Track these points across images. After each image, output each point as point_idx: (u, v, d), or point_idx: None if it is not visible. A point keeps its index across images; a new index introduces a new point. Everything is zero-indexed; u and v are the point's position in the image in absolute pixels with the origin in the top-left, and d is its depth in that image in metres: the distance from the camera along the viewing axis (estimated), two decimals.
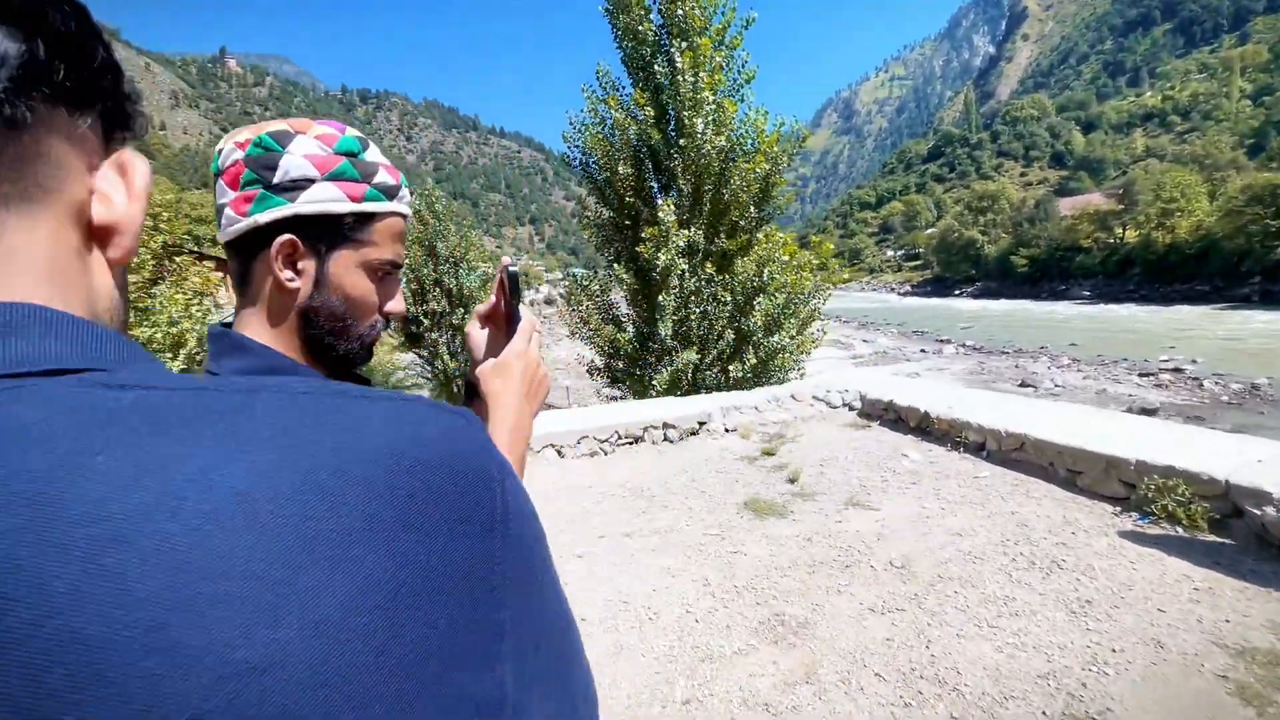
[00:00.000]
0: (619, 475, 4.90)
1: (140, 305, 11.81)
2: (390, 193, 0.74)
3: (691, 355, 9.50)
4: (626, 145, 10.69)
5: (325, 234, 0.71)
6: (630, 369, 12.18)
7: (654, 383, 10.60)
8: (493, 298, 0.85)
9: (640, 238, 10.09)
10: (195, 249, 18.62)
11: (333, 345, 0.73)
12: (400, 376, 33.96)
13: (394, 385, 35.04)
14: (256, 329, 0.71)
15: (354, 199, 0.71)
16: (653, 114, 10.10)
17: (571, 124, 11.46)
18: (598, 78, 11.16)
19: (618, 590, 3.10)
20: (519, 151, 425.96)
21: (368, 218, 0.72)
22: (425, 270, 22.91)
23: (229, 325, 0.73)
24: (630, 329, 12.71)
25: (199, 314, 13.52)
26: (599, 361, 12.96)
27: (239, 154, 0.69)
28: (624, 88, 11.18)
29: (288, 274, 0.70)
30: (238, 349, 0.69)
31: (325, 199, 0.69)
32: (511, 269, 0.82)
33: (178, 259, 13.49)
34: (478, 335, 0.86)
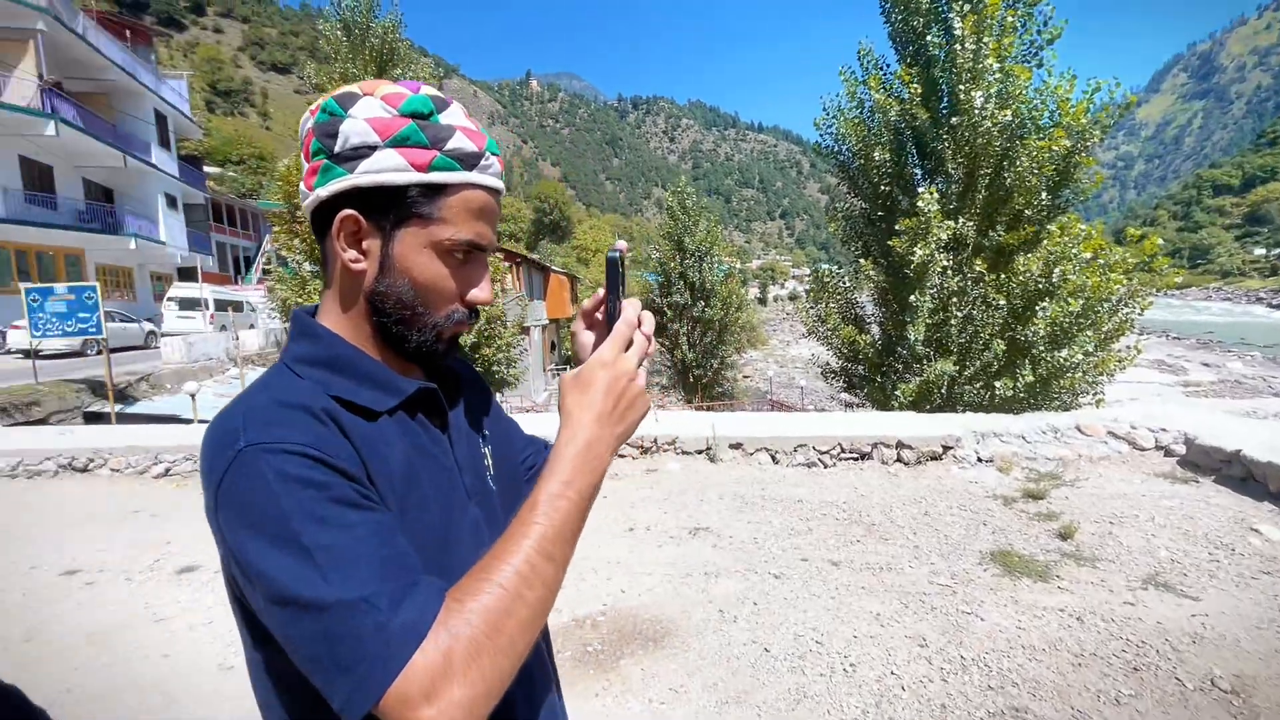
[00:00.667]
0: (836, 494, 4.43)
1: None
2: (468, 161, 0.63)
3: (947, 366, 8.28)
4: (886, 128, 9.71)
5: (388, 208, 0.62)
6: (870, 375, 11.16)
7: (896, 393, 9.53)
8: (600, 291, 0.70)
9: (894, 230, 9.08)
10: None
11: (403, 335, 0.65)
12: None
13: None
14: (330, 313, 0.67)
15: (418, 167, 0.61)
16: (920, 91, 8.98)
17: (825, 110, 10.81)
18: (859, 58, 10.33)
19: (812, 626, 2.75)
20: (775, 145, 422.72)
21: (437, 190, 0.62)
22: (672, 264, 24.07)
23: (315, 310, 0.70)
24: (874, 331, 11.64)
25: None
26: (835, 364, 12.14)
27: (310, 122, 0.64)
28: (887, 66, 10.15)
29: (351, 254, 0.63)
30: (305, 335, 0.66)
31: (385, 168, 0.60)
32: (612, 254, 0.68)
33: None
34: (583, 337, 0.71)
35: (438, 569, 0.57)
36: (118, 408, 9.93)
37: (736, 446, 5.18)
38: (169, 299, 19.53)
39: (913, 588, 3.08)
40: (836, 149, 10.98)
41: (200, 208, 26.98)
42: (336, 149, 0.61)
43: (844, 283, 11.66)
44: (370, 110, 0.61)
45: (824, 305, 11.69)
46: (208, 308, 19.39)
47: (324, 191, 0.62)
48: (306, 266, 12.24)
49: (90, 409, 9.93)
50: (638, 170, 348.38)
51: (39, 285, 11.18)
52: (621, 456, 5.29)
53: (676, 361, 25.85)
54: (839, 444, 5.08)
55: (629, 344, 0.65)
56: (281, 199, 12.59)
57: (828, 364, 12.33)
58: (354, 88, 0.63)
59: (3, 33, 16.47)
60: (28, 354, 11.59)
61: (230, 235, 31.60)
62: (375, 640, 0.47)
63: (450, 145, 0.62)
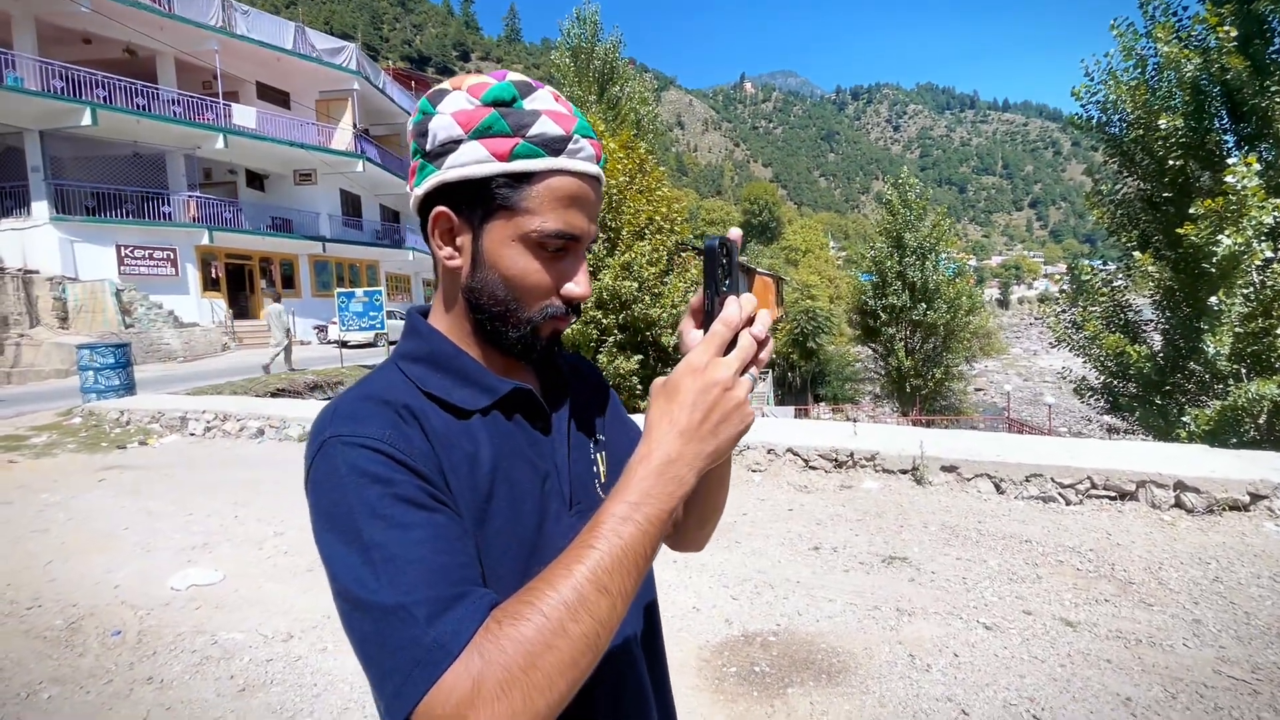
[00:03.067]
0: (1079, 539, 3.63)
1: (655, 291, 15.08)
2: (554, 146, 0.59)
3: (1268, 388, 6.38)
4: (1180, 87, 7.79)
5: (475, 202, 0.61)
6: (1145, 395, 9.08)
7: (1184, 420, 7.62)
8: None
9: (1186, 215, 7.24)
10: (698, 246, 22.83)
11: (499, 331, 0.64)
12: (856, 369, 34.23)
13: (848, 377, 35.57)
14: (437, 311, 0.68)
15: (500, 157, 0.59)
16: (1233, 34, 7.03)
17: (1089, 75, 9.05)
18: (1140, 6, 8.46)
19: (1029, 696, 2.25)
20: (1025, 124, 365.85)
21: (521, 179, 0.59)
22: (889, 262, 22.15)
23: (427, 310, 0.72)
24: (1154, 341, 9.43)
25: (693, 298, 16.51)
26: (1094, 379, 10.09)
27: (409, 123, 0.65)
28: (1184, 9, 8.13)
29: (446, 251, 0.63)
30: (412, 332, 0.67)
31: (468, 161, 0.59)
32: (710, 242, 0.58)
33: (684, 254, 16.71)
34: (688, 337, 0.62)
35: (522, 578, 0.54)
36: None
37: (950, 469, 4.54)
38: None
39: (1186, 675, 2.37)
40: (1104, 120, 9.13)
41: None
42: (428, 147, 0.61)
43: (1112, 281, 9.63)
44: (456, 104, 0.60)
45: (1081, 308, 9.77)
46: None
47: (419, 190, 0.62)
48: None
49: None
50: (855, 164, 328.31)
51: (345, 290, 14.16)
52: (813, 468, 4.98)
53: (891, 369, 23.74)
54: (1089, 478, 4.16)
55: (729, 347, 0.55)
56: None
57: (1083, 379, 10.27)
58: (445, 84, 0.63)
59: (332, 94, 21.24)
60: (342, 344, 14.77)
61: None
62: (408, 653, 0.45)
63: (534, 131, 0.59)
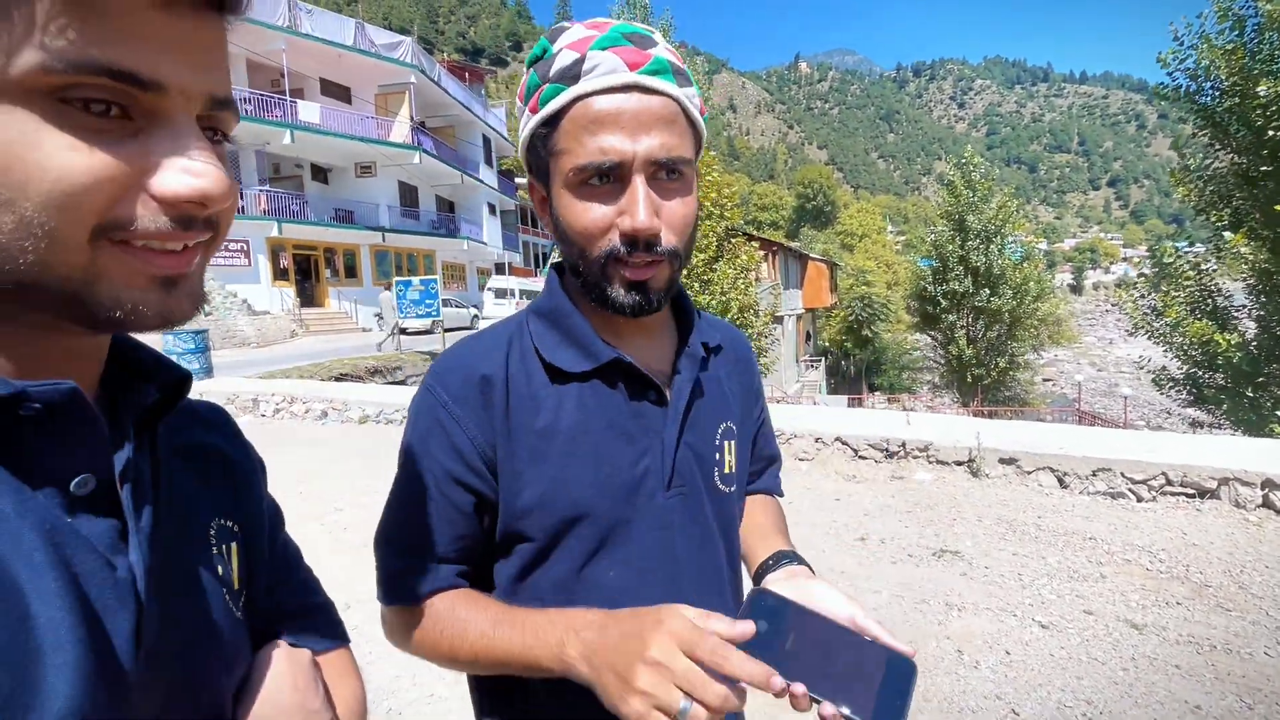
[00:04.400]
0: (1150, 538, 3.41)
1: (704, 278, 14.92)
2: (569, 75, 0.56)
3: None
4: None
5: (539, 164, 0.63)
6: (1235, 387, 8.45)
7: (1279, 413, 7.05)
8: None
9: None
10: (748, 232, 22.46)
11: (587, 284, 0.63)
12: (914, 357, 33.07)
13: (905, 366, 34.40)
14: (567, 268, 0.69)
15: (533, 110, 0.60)
16: None
17: (1178, 39, 8.39)
18: None
19: (1087, 699, 2.15)
20: (1104, 97, 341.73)
21: (553, 123, 0.58)
22: (950, 246, 21.21)
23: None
24: (1246, 328, 8.75)
25: (743, 285, 16.18)
26: (1176, 370, 9.43)
27: None
28: None
29: (545, 219, 0.65)
30: (546, 288, 0.70)
31: (525, 128, 0.62)
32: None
33: (734, 240, 16.44)
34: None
35: (606, 548, 0.63)
36: None
37: (1009, 462, 4.34)
38: (487, 289, 24.01)
39: (1267, 684, 2.20)
40: (1195, 89, 8.46)
41: (511, 213, 32.50)
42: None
43: (1199, 264, 8.96)
44: (521, 84, 0.64)
45: (1164, 293, 9.14)
46: (514, 296, 23.34)
47: (522, 179, 0.68)
48: None
49: None
50: (916, 145, 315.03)
51: (403, 279, 14.65)
52: (862, 458, 4.86)
53: (951, 358, 22.82)
54: (1163, 473, 3.90)
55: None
56: None
57: (1163, 369, 9.60)
58: None
59: (390, 88, 21.85)
60: (400, 331, 15.32)
61: (532, 235, 37.40)
62: (385, 577, 0.68)
63: (553, 70, 0.57)
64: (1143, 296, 9.64)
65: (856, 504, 4.10)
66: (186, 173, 0.32)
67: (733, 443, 0.72)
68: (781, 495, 0.90)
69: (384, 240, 21.86)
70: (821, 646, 0.51)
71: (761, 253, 21.91)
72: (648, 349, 0.68)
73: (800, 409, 6.92)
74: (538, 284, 26.96)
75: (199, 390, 8.43)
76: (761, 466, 0.87)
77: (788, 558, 0.72)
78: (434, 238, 24.53)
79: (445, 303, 16.59)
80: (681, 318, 0.73)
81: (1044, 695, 2.18)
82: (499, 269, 29.83)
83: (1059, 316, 22.97)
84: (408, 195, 24.18)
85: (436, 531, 0.63)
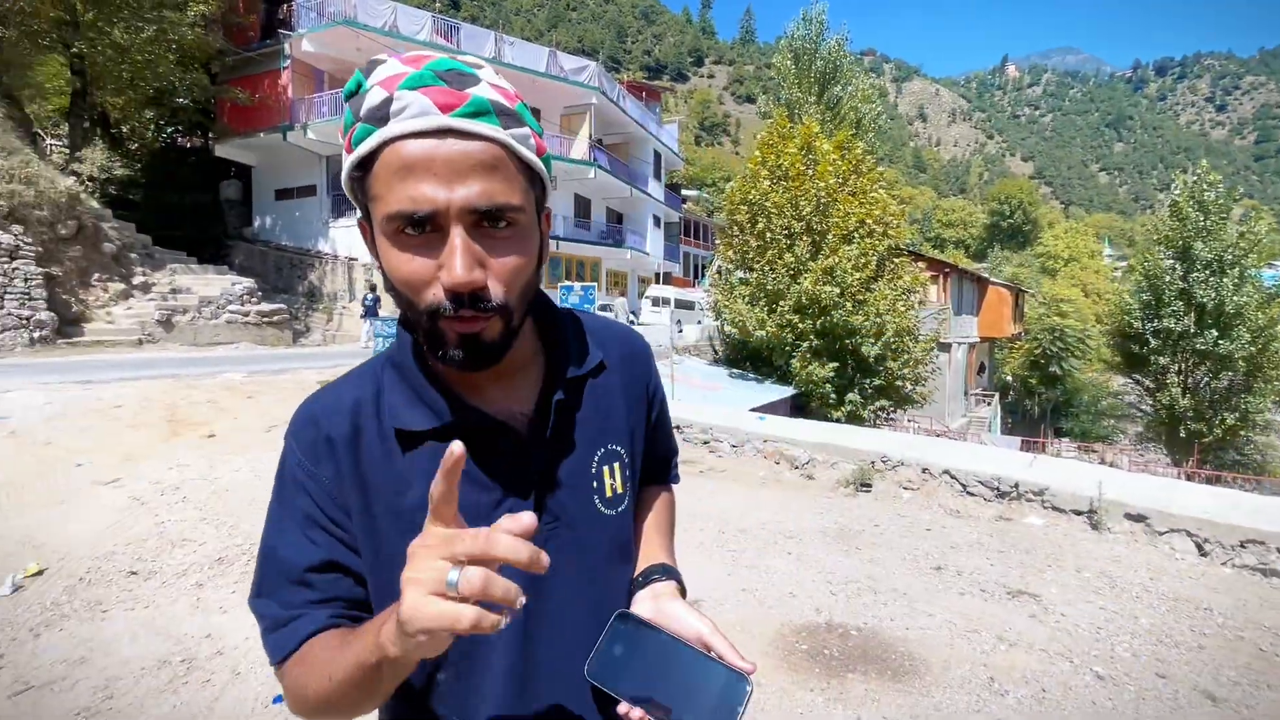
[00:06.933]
0: None
1: (859, 298, 14.46)
2: (378, 115, 0.52)
3: None
4: None
5: (361, 207, 0.59)
6: None
7: None
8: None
9: None
10: (916, 251, 21.09)
11: (417, 332, 0.58)
12: (1110, 403, 28.54)
13: (1104, 411, 29.73)
14: None
15: (348, 150, 0.55)
16: None
17: None
18: None
19: None
20: None
21: (366, 165, 0.54)
22: (1167, 277, 18.16)
23: None
24: None
25: (903, 308, 15.37)
26: None
27: None
28: None
29: (376, 262, 0.59)
30: (398, 334, 0.66)
31: (344, 168, 0.56)
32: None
33: (897, 259, 15.67)
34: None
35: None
36: None
37: (1137, 519, 3.99)
38: (646, 297, 25.32)
39: None
40: None
41: (675, 225, 33.77)
42: None
43: None
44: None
45: None
46: (670, 305, 24.34)
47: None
48: (737, 274, 14.15)
49: None
50: (1153, 155, 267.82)
51: (566, 284, 16.14)
52: (970, 494, 4.71)
53: (1160, 407, 19.45)
54: None
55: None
56: (725, 215, 14.87)
57: None
58: None
59: (574, 109, 23.99)
60: None
61: (694, 246, 38.43)
62: (265, 631, 0.62)
63: (364, 109, 0.53)
64: None
65: (947, 537, 4.06)
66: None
67: (616, 464, 0.70)
68: (677, 482, 0.91)
69: (558, 248, 24.03)
70: (666, 666, 0.56)
71: (930, 274, 20.50)
72: (509, 390, 0.65)
73: (914, 438, 6.70)
74: (693, 294, 27.78)
75: None
76: (659, 466, 0.86)
77: (657, 573, 0.72)
78: (602, 247, 26.41)
79: (603, 308, 17.90)
80: (551, 347, 0.69)
81: None
82: (659, 278, 31.13)
83: None
84: (581, 207, 26.31)
85: (300, 579, 0.61)
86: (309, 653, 0.58)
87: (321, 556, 0.61)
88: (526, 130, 0.57)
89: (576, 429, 0.67)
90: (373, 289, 16.18)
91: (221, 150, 20.11)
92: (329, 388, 0.67)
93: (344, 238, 19.85)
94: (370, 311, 14.50)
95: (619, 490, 0.70)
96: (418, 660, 0.48)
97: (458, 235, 0.52)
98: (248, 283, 14.65)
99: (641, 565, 0.74)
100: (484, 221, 0.53)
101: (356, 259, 19.29)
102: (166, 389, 7.82)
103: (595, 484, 0.68)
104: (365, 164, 0.54)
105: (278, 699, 2.31)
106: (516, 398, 0.65)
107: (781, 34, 21.10)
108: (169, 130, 20.72)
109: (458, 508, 0.46)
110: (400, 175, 0.51)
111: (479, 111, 0.53)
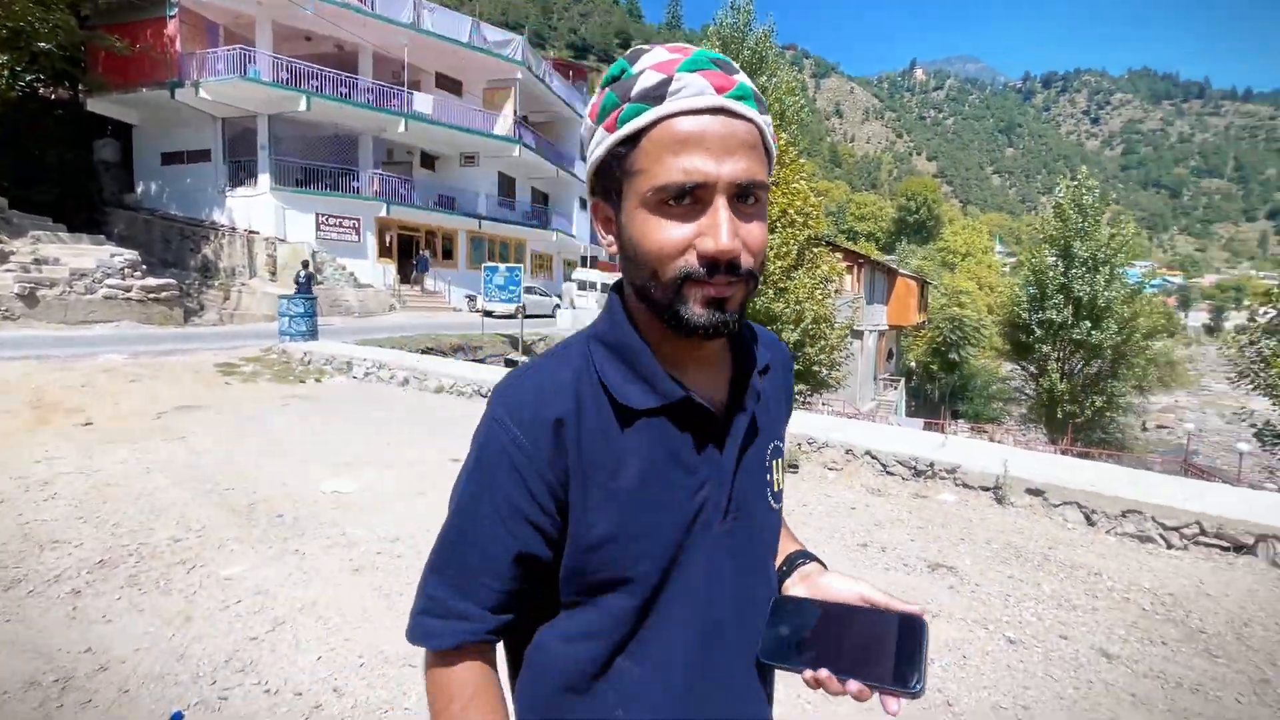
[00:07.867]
0: (1160, 582, 3.37)
1: (780, 286, 14.85)
2: (653, 95, 0.57)
3: None
4: None
5: (609, 184, 0.62)
6: None
7: None
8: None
9: None
10: (832, 241, 22.02)
11: (656, 307, 0.61)
12: (1004, 387, 31.17)
13: (994, 395, 32.46)
14: (629, 294, 0.66)
15: (609, 130, 0.60)
16: None
17: None
18: None
19: (1024, 704, 2.29)
20: (1272, 118, 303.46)
21: (632, 142, 0.58)
22: (1050, 273, 19.94)
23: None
24: None
25: (820, 296, 15.97)
26: None
27: None
28: None
29: (607, 239, 0.65)
30: (606, 314, 0.68)
31: (595, 147, 0.62)
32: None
33: (816, 249, 16.22)
34: None
35: (662, 577, 0.62)
36: (524, 358, 13.33)
37: (1036, 493, 4.33)
38: (572, 280, 25.00)
39: None
40: None
41: None
42: (585, 153, 0.65)
43: None
44: (592, 103, 0.63)
45: (1276, 341, 8.42)
46: (596, 289, 24.15)
47: (588, 197, 0.67)
48: None
49: (509, 356, 13.57)
50: (1038, 161, 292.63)
51: (491, 265, 15.62)
52: (890, 474, 4.96)
53: (1041, 391, 21.45)
54: (1198, 522, 3.79)
55: None
56: None
57: (1267, 423, 8.82)
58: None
59: (498, 84, 23.15)
60: (486, 313, 16.36)
61: None
62: (420, 613, 0.66)
63: (636, 89, 0.57)
64: (1251, 343, 8.92)
65: (870, 515, 4.25)
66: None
67: (779, 461, 0.73)
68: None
69: (480, 227, 23.23)
70: (839, 632, 0.58)
71: (845, 264, 21.46)
72: (707, 378, 0.67)
73: (836, 420, 6.99)
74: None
75: (304, 350, 9.52)
76: None
77: (801, 558, 0.75)
78: (526, 228, 25.77)
79: (529, 290, 17.50)
80: (737, 342, 0.72)
81: (983, 696, 2.35)
82: (585, 261, 30.81)
83: (1172, 358, 20.98)
84: (506, 186, 25.52)
85: (486, 571, 0.63)
86: (462, 678, 0.63)
87: (516, 550, 0.62)
88: (769, 118, 0.61)
89: (760, 423, 0.70)
90: (305, 265, 15.12)
91: (95, 105, 17.92)
92: (538, 364, 0.67)
93: (242, 208, 18.25)
94: (303, 288, 13.52)
95: (781, 486, 0.74)
96: None
97: (723, 207, 0.56)
98: (130, 254, 13.19)
99: (779, 562, 0.77)
100: (740, 196, 0.57)
101: (258, 232, 17.80)
102: (30, 371, 6.93)
103: (768, 477, 0.71)
104: (632, 140, 0.58)
105: (177, 715, 2.09)
106: (713, 386, 0.68)
107: (709, 21, 21.13)
108: (27, 78, 18.20)
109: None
110: (673, 150, 0.56)
111: (744, 95, 0.57)
